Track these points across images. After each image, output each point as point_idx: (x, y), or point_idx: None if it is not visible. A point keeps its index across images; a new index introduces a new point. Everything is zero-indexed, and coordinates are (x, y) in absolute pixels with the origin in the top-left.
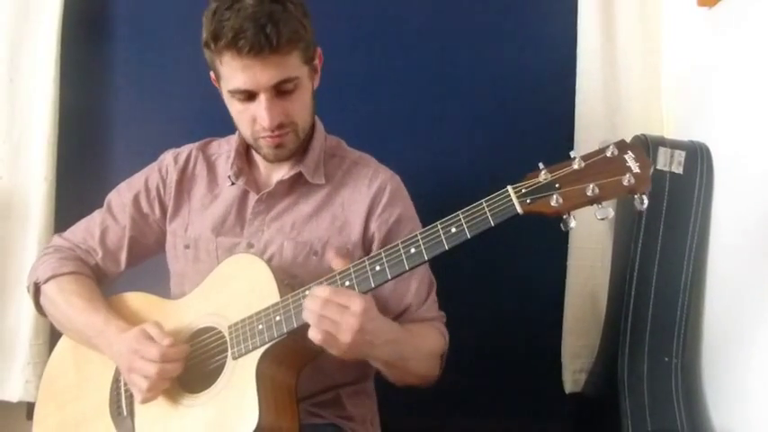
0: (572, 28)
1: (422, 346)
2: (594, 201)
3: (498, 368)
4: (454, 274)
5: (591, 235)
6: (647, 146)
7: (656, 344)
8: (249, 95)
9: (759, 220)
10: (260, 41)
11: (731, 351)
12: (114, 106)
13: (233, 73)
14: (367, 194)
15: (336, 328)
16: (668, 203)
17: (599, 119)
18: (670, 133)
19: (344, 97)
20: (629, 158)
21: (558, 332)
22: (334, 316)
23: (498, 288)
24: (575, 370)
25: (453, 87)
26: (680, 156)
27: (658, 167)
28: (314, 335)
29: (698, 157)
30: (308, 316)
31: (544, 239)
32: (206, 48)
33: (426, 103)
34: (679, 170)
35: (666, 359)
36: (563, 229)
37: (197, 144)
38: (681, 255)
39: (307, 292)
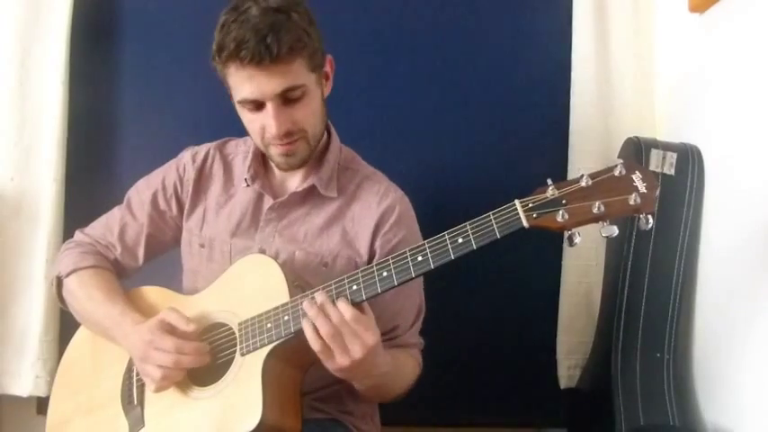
0: (567, 34)
1: (401, 379)
2: (600, 218)
3: (495, 364)
4: (452, 273)
5: (585, 235)
6: (639, 148)
7: (648, 340)
8: (257, 105)
9: (749, 219)
10: (260, 51)
11: (721, 347)
12: (123, 109)
13: (240, 83)
14: (376, 211)
15: (340, 350)
16: (660, 204)
17: (593, 121)
18: (662, 136)
19: (343, 104)
20: (637, 178)
21: (553, 329)
22: (345, 336)
23: (495, 286)
24: (569, 366)
25: (450, 95)
26: (672, 157)
27: (650, 169)
28: (314, 342)
29: (689, 158)
30: (321, 324)
31: (540, 239)
32: (213, 61)
33: (423, 111)
34: (671, 171)
35: (658, 355)
36: (569, 245)
37: (215, 143)
38: (672, 253)
39: (314, 295)
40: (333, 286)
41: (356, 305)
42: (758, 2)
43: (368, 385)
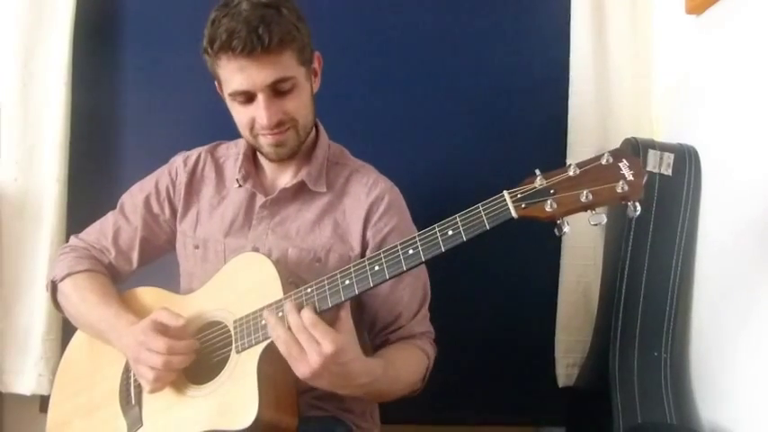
0: (565, 34)
1: (401, 378)
2: (588, 207)
3: (494, 362)
4: (452, 273)
5: (583, 234)
6: (637, 148)
7: (645, 339)
8: (248, 97)
9: (745, 219)
10: (252, 41)
11: (718, 346)
12: (125, 110)
13: (231, 75)
14: (365, 202)
15: (300, 356)
16: (657, 204)
17: (591, 122)
18: (660, 136)
19: (339, 102)
20: (624, 166)
21: (551, 328)
22: (303, 343)
23: (494, 285)
24: (567, 364)
25: (449, 93)
26: (669, 158)
27: (648, 169)
28: (281, 348)
29: (686, 159)
30: (279, 331)
31: (538, 239)
32: (205, 54)
33: (422, 109)
34: (668, 172)
35: (656, 354)
36: (557, 233)
37: (206, 147)
38: (670, 253)
39: (309, 290)
40: (325, 282)
41: (333, 315)
42: (755, 4)
43: (355, 394)
